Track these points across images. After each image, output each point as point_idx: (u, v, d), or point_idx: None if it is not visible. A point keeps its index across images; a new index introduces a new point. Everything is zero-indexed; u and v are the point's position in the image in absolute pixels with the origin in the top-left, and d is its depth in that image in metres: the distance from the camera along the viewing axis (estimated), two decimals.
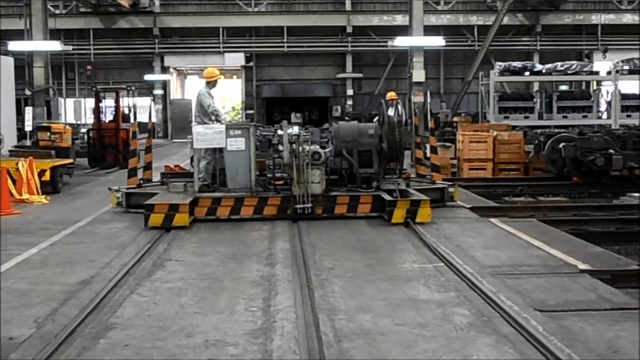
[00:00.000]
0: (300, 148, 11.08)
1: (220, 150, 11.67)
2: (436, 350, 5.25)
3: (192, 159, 11.92)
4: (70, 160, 17.08)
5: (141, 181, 12.84)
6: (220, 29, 37.11)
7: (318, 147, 11.71)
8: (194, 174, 11.77)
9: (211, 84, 12.79)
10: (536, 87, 31.55)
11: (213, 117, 12.45)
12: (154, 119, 36.81)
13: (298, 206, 10.92)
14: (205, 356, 5.18)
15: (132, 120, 21.63)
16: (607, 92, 26.37)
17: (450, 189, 12.62)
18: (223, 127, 11.58)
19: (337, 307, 6.36)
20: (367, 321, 5.93)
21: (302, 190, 10.95)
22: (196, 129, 11.60)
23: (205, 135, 11.39)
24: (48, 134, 19.42)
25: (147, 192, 11.97)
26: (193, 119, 12.56)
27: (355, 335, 5.57)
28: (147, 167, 13.69)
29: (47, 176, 14.46)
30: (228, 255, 8.61)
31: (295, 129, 12.01)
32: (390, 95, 17.98)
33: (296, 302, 6.48)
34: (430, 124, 15.42)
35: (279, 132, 12.12)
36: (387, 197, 10.98)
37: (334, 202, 11.17)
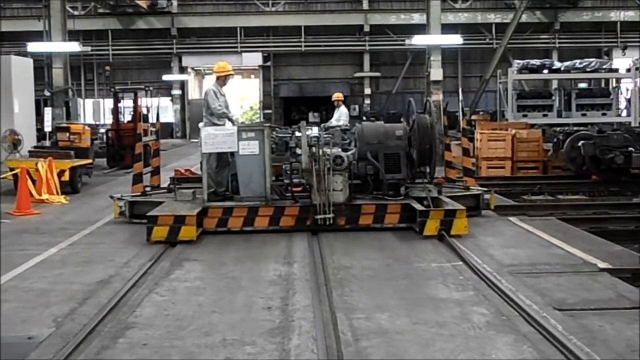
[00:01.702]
0: (321, 151, 10.07)
1: (232, 154, 10.63)
2: (454, 350, 5.24)
3: (201, 163, 10.99)
4: (89, 161, 17.16)
5: (147, 188, 11.93)
6: (238, 29, 37.16)
7: (340, 150, 10.72)
8: (203, 180, 10.64)
9: (221, 79, 11.56)
10: (555, 85, 31.36)
11: (224, 118, 11.41)
12: (171, 119, 37.09)
13: (318, 216, 9.93)
14: (223, 355, 5.20)
15: (150, 121, 21.67)
16: (627, 90, 26.08)
17: (486, 196, 11.52)
18: (234, 129, 10.52)
19: (355, 306, 6.36)
20: (385, 320, 5.92)
21: (322, 198, 9.93)
22: (205, 131, 10.58)
23: (214, 138, 10.36)
24: (67, 134, 19.50)
25: (152, 201, 11.02)
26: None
27: (373, 334, 5.56)
28: (155, 172, 12.84)
29: (66, 176, 14.53)
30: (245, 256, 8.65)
31: (314, 131, 11.00)
32: (337, 96, 17.08)
33: (314, 301, 6.49)
34: (463, 124, 14.51)
35: (297, 133, 11.09)
36: (417, 206, 9.96)
37: (358, 211, 10.12)
